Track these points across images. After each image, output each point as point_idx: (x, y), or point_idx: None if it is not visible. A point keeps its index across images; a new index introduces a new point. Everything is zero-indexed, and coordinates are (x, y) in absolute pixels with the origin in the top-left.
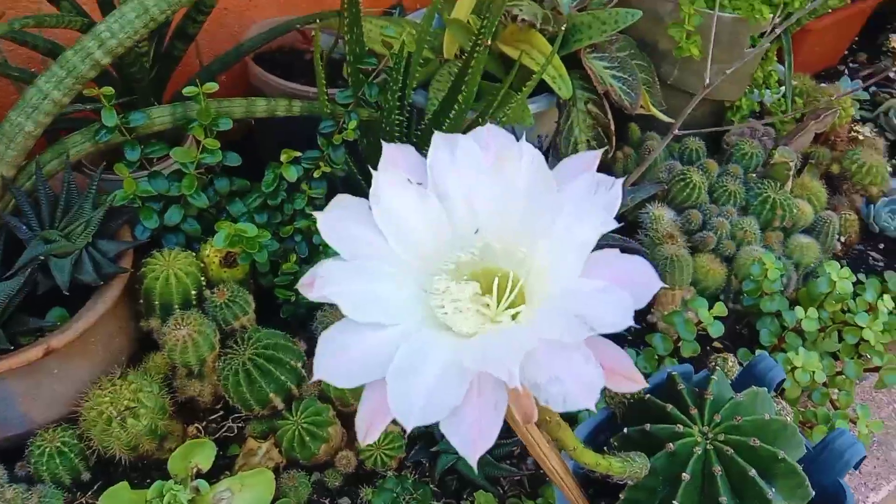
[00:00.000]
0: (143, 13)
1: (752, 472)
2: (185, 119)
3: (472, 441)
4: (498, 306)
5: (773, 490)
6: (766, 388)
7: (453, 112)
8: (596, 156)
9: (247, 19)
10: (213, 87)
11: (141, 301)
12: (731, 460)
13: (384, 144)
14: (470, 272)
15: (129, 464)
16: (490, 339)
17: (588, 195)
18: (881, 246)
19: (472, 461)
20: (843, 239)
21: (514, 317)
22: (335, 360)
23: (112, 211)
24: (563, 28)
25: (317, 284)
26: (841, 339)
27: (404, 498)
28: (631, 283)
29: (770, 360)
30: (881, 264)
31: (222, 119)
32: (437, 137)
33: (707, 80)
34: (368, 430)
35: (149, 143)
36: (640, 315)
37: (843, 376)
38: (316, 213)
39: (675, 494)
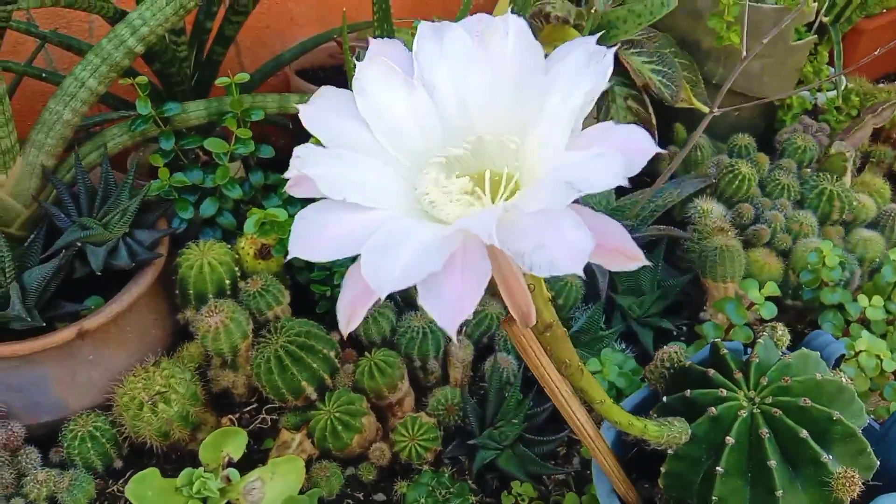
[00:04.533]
0: (173, 0)
1: (804, 434)
2: (220, 113)
3: (453, 313)
4: (494, 202)
5: (831, 457)
6: (817, 353)
7: None
8: (594, 37)
9: (288, 37)
10: (244, 77)
11: (177, 292)
12: (779, 422)
13: (370, 40)
14: (465, 172)
15: (162, 453)
16: (480, 211)
17: (581, 68)
18: None
19: (452, 333)
20: None
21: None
22: (310, 239)
23: (150, 204)
24: (591, 12)
25: (293, 164)
26: None
27: (440, 492)
28: (625, 149)
29: (827, 335)
30: None
31: (255, 111)
32: (424, 27)
33: (743, 54)
34: (351, 318)
35: (182, 136)
36: (691, 313)
37: None
38: (299, 105)
39: (719, 462)
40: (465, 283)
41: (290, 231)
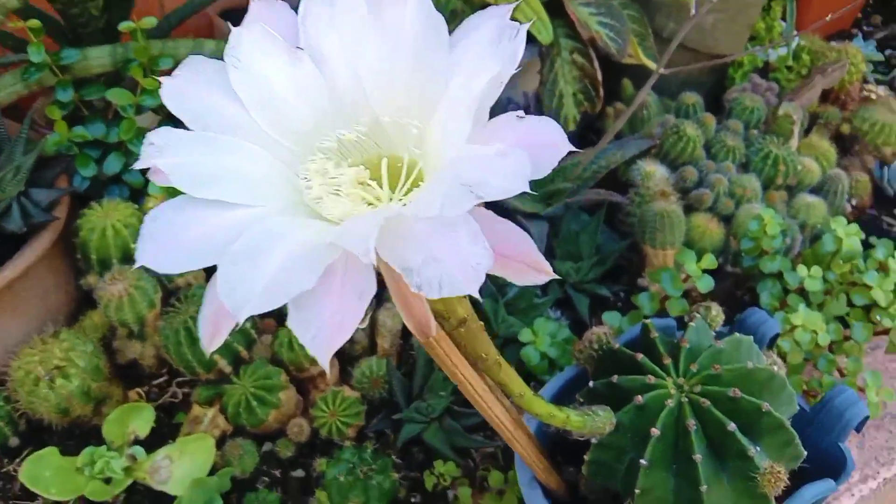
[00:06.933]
0: None
1: (731, 427)
2: (127, 60)
3: (328, 337)
4: (393, 195)
5: (758, 448)
6: (751, 337)
7: None
8: (508, 9)
9: None
10: (150, 22)
11: (79, 256)
12: (707, 413)
13: (251, 1)
14: (363, 160)
15: (64, 430)
16: (359, 217)
17: (490, 46)
18: (895, 210)
19: (325, 361)
20: (854, 202)
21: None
22: (164, 244)
23: (48, 160)
24: None
25: (145, 152)
26: (850, 304)
27: (362, 469)
28: (534, 145)
29: (762, 313)
30: None
31: (163, 58)
32: None
33: (692, 11)
34: (214, 335)
35: (84, 85)
36: (630, 279)
37: (852, 341)
38: (162, 78)
39: (643, 453)
40: (343, 302)
41: None
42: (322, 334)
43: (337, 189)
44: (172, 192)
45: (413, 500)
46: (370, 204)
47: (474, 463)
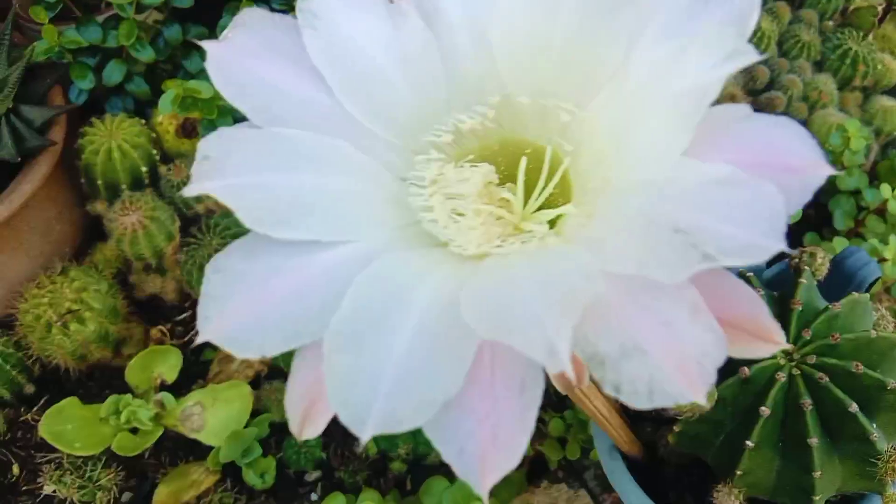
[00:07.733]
0: None
1: (854, 408)
2: None
3: (480, 454)
4: (525, 204)
5: (875, 425)
6: (867, 296)
7: None
8: None
9: None
10: None
11: (83, 181)
12: (824, 391)
13: None
14: (479, 148)
15: (82, 372)
16: (511, 270)
17: (695, 1)
18: None
19: (483, 489)
20: None
21: (552, 224)
22: (236, 311)
23: (38, 69)
24: None
25: (197, 172)
26: None
27: None
28: (777, 168)
29: (862, 253)
30: None
31: None
32: None
33: None
34: (305, 421)
35: None
36: None
37: None
38: (205, 43)
39: (748, 432)
40: (497, 399)
41: (218, 111)
42: (471, 449)
43: (459, 207)
44: (185, 107)
45: None
46: (500, 219)
47: None
